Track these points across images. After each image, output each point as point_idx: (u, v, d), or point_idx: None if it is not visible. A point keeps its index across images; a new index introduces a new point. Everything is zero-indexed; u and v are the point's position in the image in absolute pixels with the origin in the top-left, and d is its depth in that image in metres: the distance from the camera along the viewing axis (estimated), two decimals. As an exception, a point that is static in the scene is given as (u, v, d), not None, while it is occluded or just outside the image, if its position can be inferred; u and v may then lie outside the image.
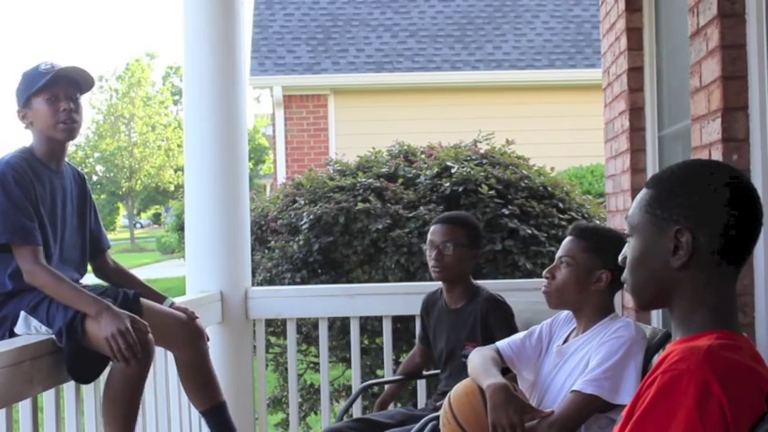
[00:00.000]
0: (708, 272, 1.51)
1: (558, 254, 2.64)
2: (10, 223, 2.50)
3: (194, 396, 2.89)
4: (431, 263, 3.18)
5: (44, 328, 2.53)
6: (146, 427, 3.17)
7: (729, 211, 1.50)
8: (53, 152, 2.71)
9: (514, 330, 3.05)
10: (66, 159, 2.81)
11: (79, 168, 2.92)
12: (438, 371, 3.36)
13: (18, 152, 2.66)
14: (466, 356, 3.08)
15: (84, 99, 2.81)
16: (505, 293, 3.37)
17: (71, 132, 2.68)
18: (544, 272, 2.65)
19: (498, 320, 3.09)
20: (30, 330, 2.54)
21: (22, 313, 2.54)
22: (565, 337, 2.66)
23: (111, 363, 2.55)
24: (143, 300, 2.79)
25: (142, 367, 2.54)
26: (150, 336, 2.56)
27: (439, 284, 3.34)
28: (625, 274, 1.62)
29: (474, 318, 3.13)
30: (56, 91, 2.65)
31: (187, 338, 2.85)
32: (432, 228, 3.23)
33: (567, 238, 2.64)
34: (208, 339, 3.03)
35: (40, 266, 2.51)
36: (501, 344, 2.75)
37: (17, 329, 2.55)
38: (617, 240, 2.58)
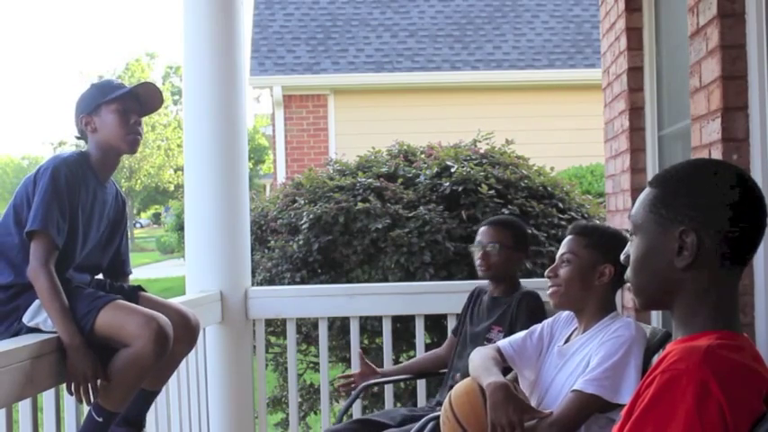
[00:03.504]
0: (711, 272, 1.51)
1: (559, 252, 2.65)
2: (46, 214, 2.53)
3: (151, 377, 2.89)
4: (477, 262, 3.31)
5: (50, 323, 2.54)
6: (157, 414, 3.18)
7: (734, 212, 1.49)
8: (107, 164, 2.78)
9: (534, 323, 3.08)
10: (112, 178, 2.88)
11: (124, 193, 2.98)
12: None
13: (75, 153, 2.73)
14: (489, 340, 3.14)
15: None
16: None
17: (134, 145, 2.77)
18: (546, 271, 2.66)
19: (524, 310, 3.18)
20: (37, 319, 2.54)
21: (36, 302, 2.54)
22: (566, 337, 2.67)
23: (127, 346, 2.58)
24: (146, 294, 2.85)
25: (156, 358, 2.56)
26: (170, 330, 2.59)
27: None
28: (628, 274, 1.61)
29: (508, 305, 3.24)
30: (127, 105, 2.75)
31: (184, 336, 2.87)
32: (480, 229, 3.37)
33: (567, 237, 2.66)
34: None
35: (46, 270, 2.52)
36: (502, 342, 2.77)
37: (25, 318, 2.56)
38: (617, 236, 2.61)
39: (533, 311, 3.17)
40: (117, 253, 2.92)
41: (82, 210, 2.66)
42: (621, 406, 2.30)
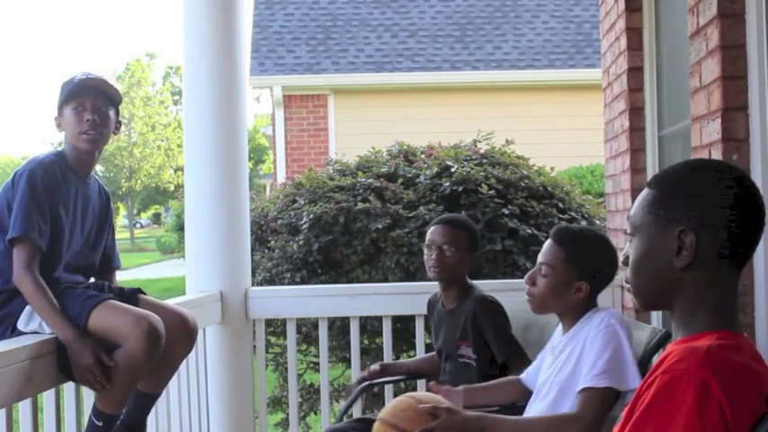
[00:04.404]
0: (710, 272, 1.51)
1: (539, 259, 2.60)
2: (26, 219, 2.53)
3: (149, 379, 2.87)
4: (430, 263, 3.18)
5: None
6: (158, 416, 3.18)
7: (733, 212, 1.49)
8: (81, 161, 2.75)
9: (503, 330, 3.08)
10: (93, 173, 2.85)
11: (106, 186, 2.96)
12: None
13: (52, 154, 2.71)
14: (462, 356, 3.10)
15: None
16: (505, 293, 3.37)
17: (93, 143, 2.71)
18: (525, 277, 2.62)
19: (486, 320, 3.10)
20: (33, 324, 2.54)
21: (28, 307, 2.54)
22: (559, 336, 2.68)
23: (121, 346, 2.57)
24: (145, 296, 2.84)
25: (148, 358, 2.55)
26: (162, 329, 2.58)
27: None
28: (627, 274, 1.61)
29: (465, 318, 3.13)
30: (83, 101, 2.70)
31: (183, 337, 2.86)
32: (432, 228, 3.23)
33: (548, 243, 2.60)
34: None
35: (30, 273, 2.51)
36: (523, 376, 2.81)
37: (20, 325, 2.56)
38: (597, 249, 2.56)
39: (496, 322, 3.10)
40: (103, 247, 2.90)
41: (64, 209, 2.65)
42: (623, 401, 2.32)
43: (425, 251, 3.23)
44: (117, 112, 2.81)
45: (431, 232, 3.22)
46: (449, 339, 3.21)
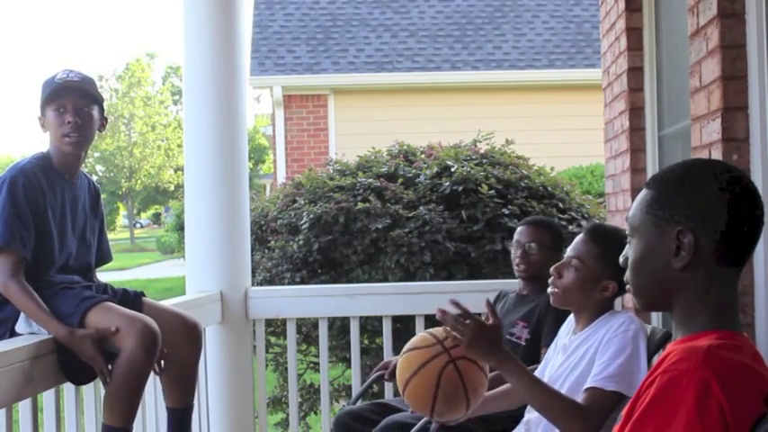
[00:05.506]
0: (709, 272, 1.51)
1: (569, 253, 2.60)
2: (8, 230, 2.50)
3: (171, 392, 2.87)
4: (516, 260, 3.32)
5: None
6: (145, 421, 3.18)
7: (731, 212, 1.49)
8: (67, 162, 2.71)
9: (558, 323, 3.09)
10: (82, 168, 2.82)
11: (96, 182, 2.94)
12: None
13: (35, 158, 2.67)
14: (512, 335, 3.18)
15: None
16: (505, 294, 3.39)
17: (76, 145, 2.67)
18: (551, 269, 2.62)
19: (553, 310, 3.11)
20: (31, 328, 2.54)
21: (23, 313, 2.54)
22: (568, 335, 2.67)
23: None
24: (147, 300, 2.84)
25: (148, 358, 2.55)
26: (156, 328, 2.57)
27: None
28: (627, 275, 1.62)
29: (535, 303, 3.23)
30: (64, 102, 2.64)
31: (187, 339, 2.86)
32: (518, 229, 3.38)
33: (581, 238, 2.59)
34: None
35: (15, 280, 2.50)
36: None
37: (18, 328, 2.56)
38: None
39: (558, 314, 3.11)
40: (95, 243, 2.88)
41: (52, 213, 2.62)
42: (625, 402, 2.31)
43: (512, 251, 3.37)
44: (102, 109, 2.76)
45: (517, 232, 3.37)
46: (509, 318, 3.28)
